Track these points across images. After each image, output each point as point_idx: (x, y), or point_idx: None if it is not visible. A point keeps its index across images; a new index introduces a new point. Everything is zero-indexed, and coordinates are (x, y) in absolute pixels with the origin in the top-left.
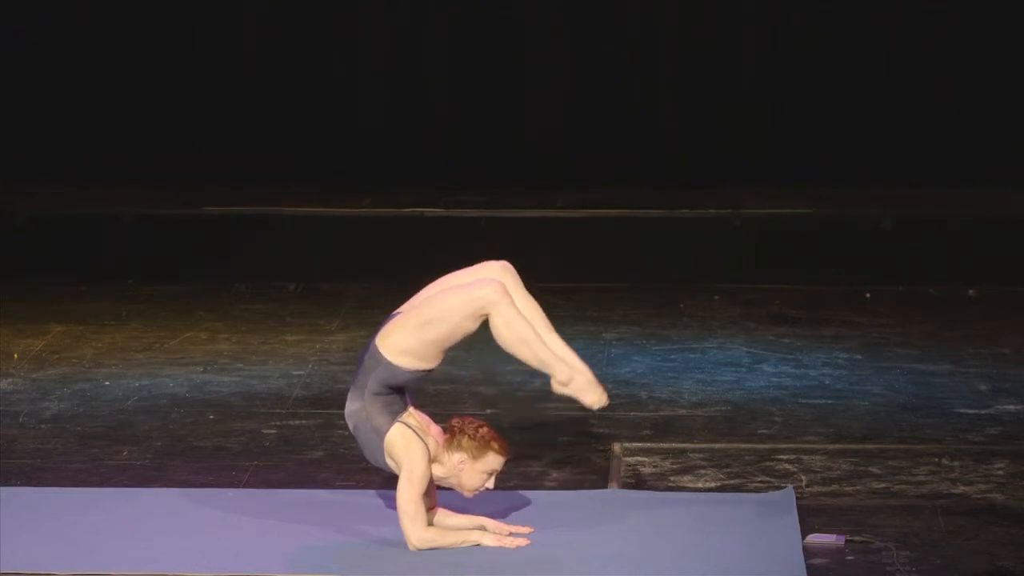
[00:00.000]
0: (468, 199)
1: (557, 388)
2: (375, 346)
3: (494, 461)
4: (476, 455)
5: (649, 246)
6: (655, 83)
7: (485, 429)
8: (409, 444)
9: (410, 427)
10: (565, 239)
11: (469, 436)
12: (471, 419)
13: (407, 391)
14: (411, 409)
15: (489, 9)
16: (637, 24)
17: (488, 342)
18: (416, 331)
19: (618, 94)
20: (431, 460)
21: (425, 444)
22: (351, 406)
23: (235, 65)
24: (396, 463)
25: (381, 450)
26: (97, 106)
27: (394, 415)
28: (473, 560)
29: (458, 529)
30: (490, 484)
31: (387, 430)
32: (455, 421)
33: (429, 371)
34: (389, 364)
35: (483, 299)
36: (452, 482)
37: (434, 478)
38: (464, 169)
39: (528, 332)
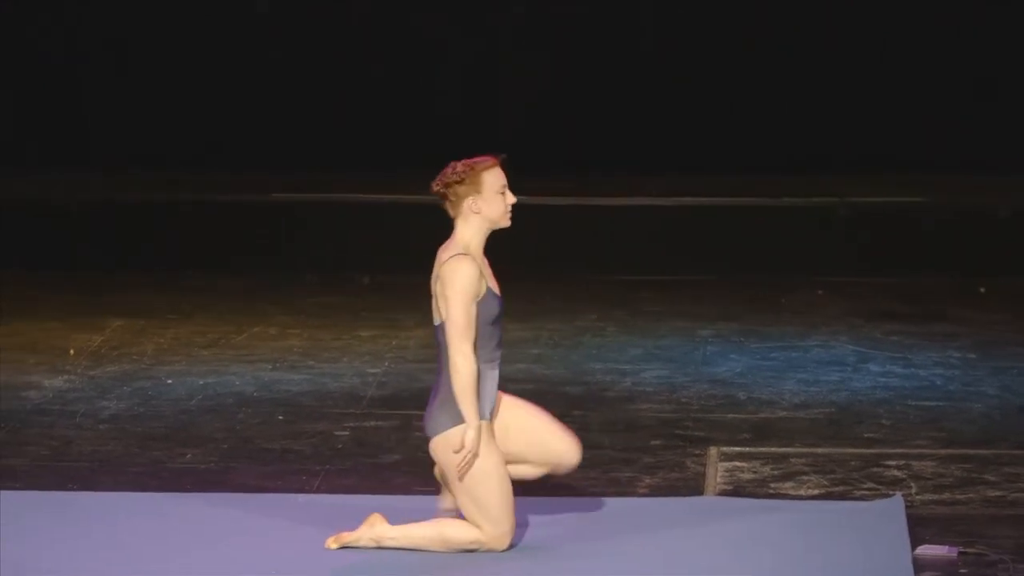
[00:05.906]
0: (558, 184)
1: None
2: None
3: (492, 177)
4: (476, 187)
5: (749, 236)
6: (763, 71)
7: (460, 165)
8: (460, 263)
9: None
10: (660, 228)
11: (457, 182)
12: (444, 172)
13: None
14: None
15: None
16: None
17: (574, 338)
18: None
19: (725, 77)
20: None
21: (476, 264)
22: None
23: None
24: (444, 294)
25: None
26: (154, 93)
27: None
28: (538, 566)
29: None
30: (510, 198)
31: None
32: (436, 186)
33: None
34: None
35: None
36: (487, 227)
37: (475, 246)
38: (557, 156)
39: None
